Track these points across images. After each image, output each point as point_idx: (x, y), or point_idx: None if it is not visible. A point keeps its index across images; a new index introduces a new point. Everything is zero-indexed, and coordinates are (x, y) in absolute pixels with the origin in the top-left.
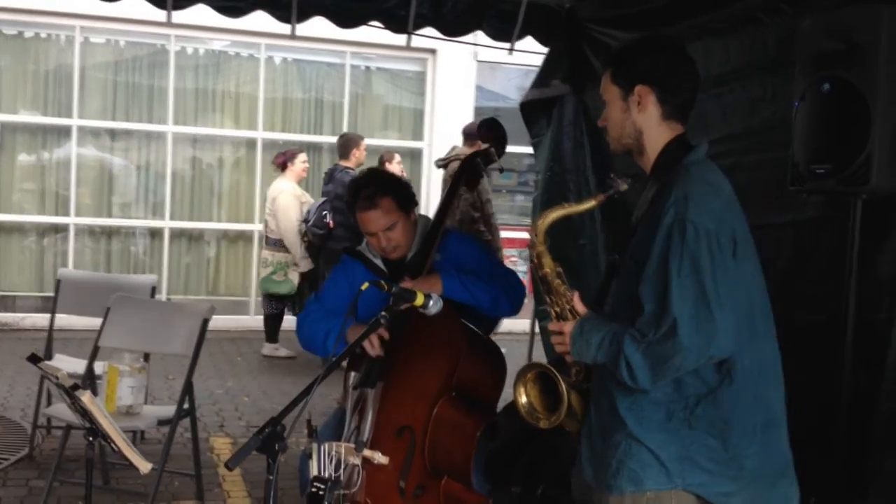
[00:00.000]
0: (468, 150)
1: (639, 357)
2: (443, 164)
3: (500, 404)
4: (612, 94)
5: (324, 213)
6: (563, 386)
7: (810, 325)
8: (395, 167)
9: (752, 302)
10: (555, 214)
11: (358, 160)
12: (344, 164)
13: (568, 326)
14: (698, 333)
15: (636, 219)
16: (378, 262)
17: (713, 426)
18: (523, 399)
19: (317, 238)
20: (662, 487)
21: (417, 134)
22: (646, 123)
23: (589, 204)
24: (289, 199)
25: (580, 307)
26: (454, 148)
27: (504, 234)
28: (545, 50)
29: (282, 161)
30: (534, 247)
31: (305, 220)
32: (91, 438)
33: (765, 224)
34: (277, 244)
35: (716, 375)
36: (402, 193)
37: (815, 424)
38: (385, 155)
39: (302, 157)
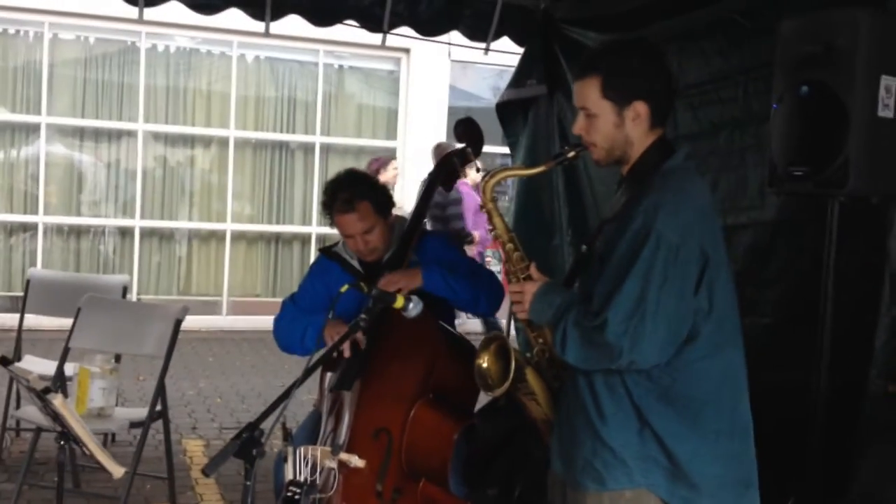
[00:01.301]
0: None
1: (575, 332)
2: None
3: (478, 406)
4: (602, 108)
5: None
6: (516, 356)
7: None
8: (391, 172)
9: (722, 310)
10: (502, 174)
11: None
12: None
13: (531, 286)
14: (625, 335)
15: (606, 217)
16: (355, 262)
17: (673, 428)
18: (483, 364)
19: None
20: (625, 487)
21: (391, 133)
22: (636, 134)
23: (538, 168)
24: None
25: (537, 275)
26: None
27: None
28: (521, 50)
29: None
30: (483, 206)
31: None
32: (62, 442)
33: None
34: None
35: (672, 378)
36: (380, 197)
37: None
38: (374, 163)
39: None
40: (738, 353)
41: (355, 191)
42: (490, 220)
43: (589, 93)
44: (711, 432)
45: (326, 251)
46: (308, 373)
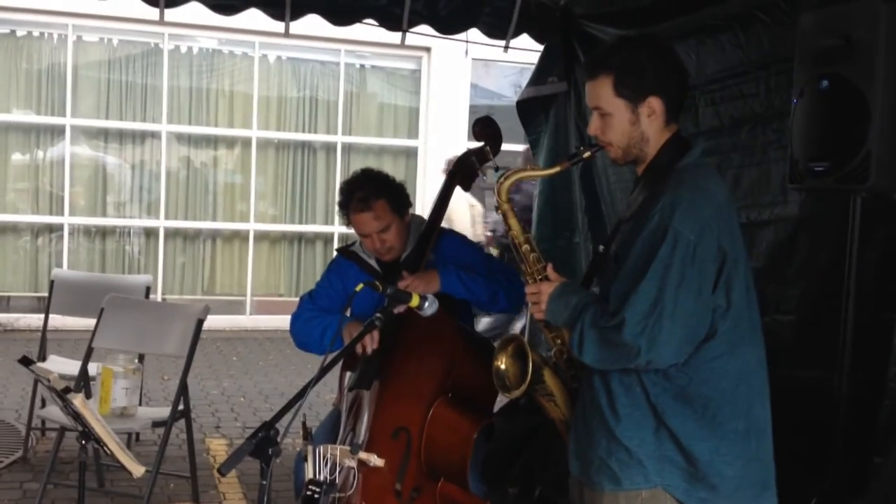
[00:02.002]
0: None
1: (592, 333)
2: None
3: (497, 405)
4: (616, 106)
5: None
6: (533, 357)
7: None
8: None
9: (739, 307)
10: (517, 175)
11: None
12: None
13: (547, 287)
14: (642, 336)
15: (623, 217)
16: (372, 262)
17: (689, 428)
18: (501, 365)
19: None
20: (641, 486)
21: (412, 132)
22: (652, 131)
23: (554, 169)
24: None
25: (554, 276)
26: None
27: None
28: (540, 47)
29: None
30: (499, 207)
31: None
32: (84, 441)
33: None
34: None
35: (688, 377)
36: (397, 196)
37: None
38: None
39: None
40: (755, 352)
41: (371, 190)
42: (506, 220)
43: (602, 92)
44: (730, 432)
45: (344, 251)
46: (323, 372)
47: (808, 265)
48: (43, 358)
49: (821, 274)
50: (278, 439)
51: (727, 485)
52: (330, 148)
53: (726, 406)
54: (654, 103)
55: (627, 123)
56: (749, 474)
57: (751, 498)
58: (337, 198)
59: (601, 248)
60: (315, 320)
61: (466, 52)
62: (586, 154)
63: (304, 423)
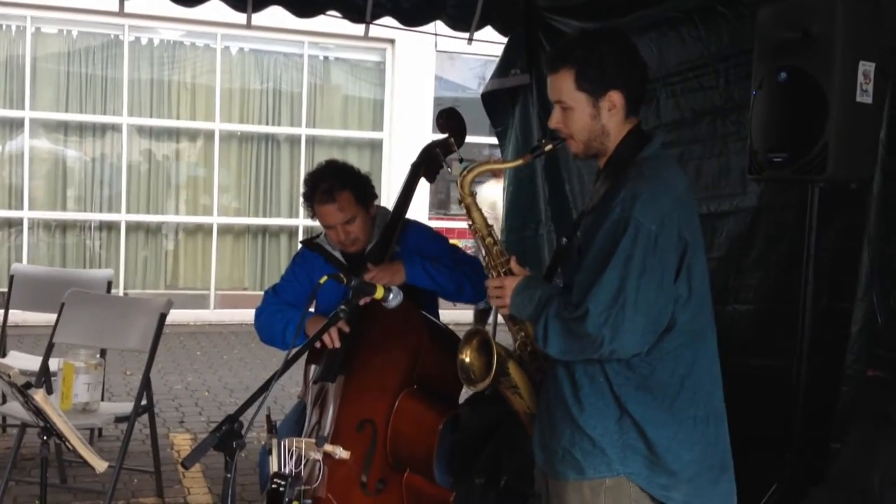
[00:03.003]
0: None
1: (556, 325)
2: None
3: (462, 396)
4: (577, 100)
5: None
6: (498, 350)
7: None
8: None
9: (700, 296)
10: (480, 168)
11: None
12: None
13: (510, 281)
14: (605, 325)
15: (585, 209)
16: (337, 254)
17: (651, 415)
18: (466, 358)
19: None
20: (604, 475)
21: (377, 125)
22: (613, 125)
23: (516, 162)
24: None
25: (517, 269)
26: None
27: (462, 224)
28: (504, 40)
29: None
30: (462, 200)
31: None
32: (45, 437)
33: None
34: None
35: (651, 367)
36: (362, 187)
37: (775, 412)
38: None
39: None
40: (713, 340)
41: (336, 181)
42: (469, 214)
43: (563, 85)
44: (689, 418)
45: (308, 242)
46: (287, 365)
47: (765, 255)
48: (3, 353)
49: (778, 264)
50: (242, 432)
51: (687, 469)
52: (294, 140)
53: (687, 392)
54: (615, 97)
55: (588, 117)
56: (707, 458)
57: (709, 482)
58: (301, 189)
59: (564, 240)
60: (278, 314)
61: (436, 45)
62: (548, 147)
63: (268, 417)
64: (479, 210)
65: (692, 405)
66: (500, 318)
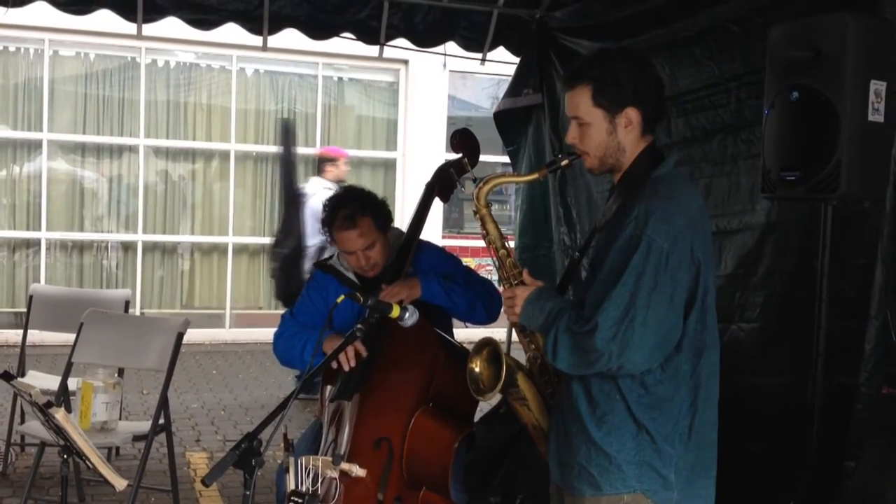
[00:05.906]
0: None
1: (566, 338)
2: None
3: (478, 415)
4: (594, 116)
5: None
6: (507, 361)
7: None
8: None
9: (711, 312)
10: (496, 181)
11: None
12: None
13: (522, 291)
14: (613, 340)
15: (598, 225)
16: (350, 275)
17: (666, 431)
18: (475, 368)
19: None
20: (621, 492)
21: (391, 144)
22: (628, 141)
23: (532, 176)
24: None
25: (529, 280)
26: None
27: (476, 243)
28: (517, 60)
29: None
30: (477, 211)
31: None
32: (66, 456)
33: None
34: None
35: (664, 385)
36: (381, 213)
37: (785, 429)
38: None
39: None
40: (716, 354)
41: (356, 207)
42: (483, 225)
43: (580, 101)
44: (695, 426)
45: (321, 265)
46: (305, 383)
47: (772, 273)
48: (22, 373)
49: (784, 282)
50: (261, 450)
51: (682, 480)
52: (308, 160)
53: (699, 404)
54: (632, 114)
55: (605, 133)
56: (702, 461)
57: (699, 483)
58: (321, 215)
59: (576, 255)
60: (296, 336)
61: (445, 65)
62: (564, 162)
63: (285, 435)
64: (494, 221)
65: (700, 415)
66: (514, 336)
